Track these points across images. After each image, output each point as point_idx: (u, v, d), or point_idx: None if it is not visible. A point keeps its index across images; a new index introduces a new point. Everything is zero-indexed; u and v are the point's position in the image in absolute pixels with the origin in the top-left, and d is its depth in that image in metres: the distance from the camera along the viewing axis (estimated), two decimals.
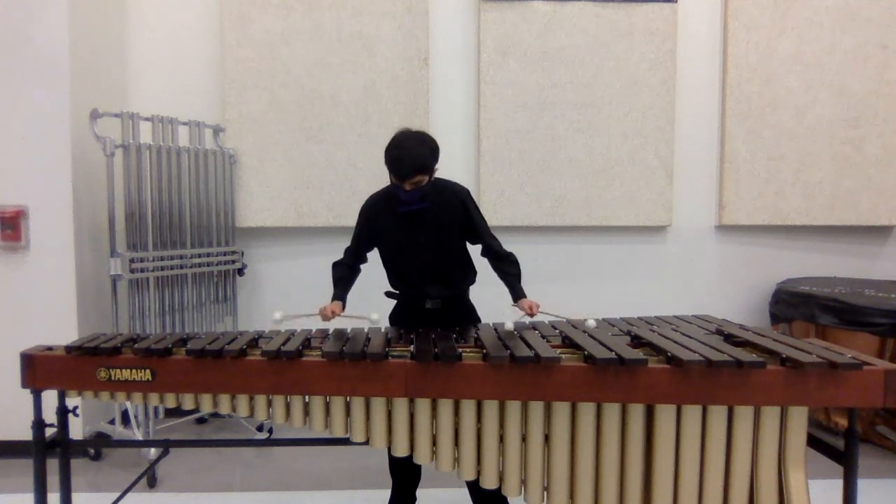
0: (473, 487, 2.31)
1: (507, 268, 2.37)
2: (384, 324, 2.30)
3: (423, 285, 2.34)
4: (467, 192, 2.38)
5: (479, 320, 2.45)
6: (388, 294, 2.44)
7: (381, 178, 3.78)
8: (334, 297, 2.35)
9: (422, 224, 2.27)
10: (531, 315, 2.25)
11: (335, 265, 2.44)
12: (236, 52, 3.72)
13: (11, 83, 3.15)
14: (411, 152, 2.14)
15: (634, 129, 3.86)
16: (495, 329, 2.19)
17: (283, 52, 3.74)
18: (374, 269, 2.48)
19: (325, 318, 2.24)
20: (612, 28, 3.81)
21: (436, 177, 2.28)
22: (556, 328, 2.22)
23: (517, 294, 2.33)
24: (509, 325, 2.15)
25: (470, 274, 2.46)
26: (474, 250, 2.45)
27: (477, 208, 2.38)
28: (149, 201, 3.23)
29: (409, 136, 2.19)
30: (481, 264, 2.46)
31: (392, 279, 2.43)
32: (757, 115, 3.90)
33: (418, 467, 2.45)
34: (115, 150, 3.15)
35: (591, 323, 2.21)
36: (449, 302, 2.37)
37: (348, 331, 2.18)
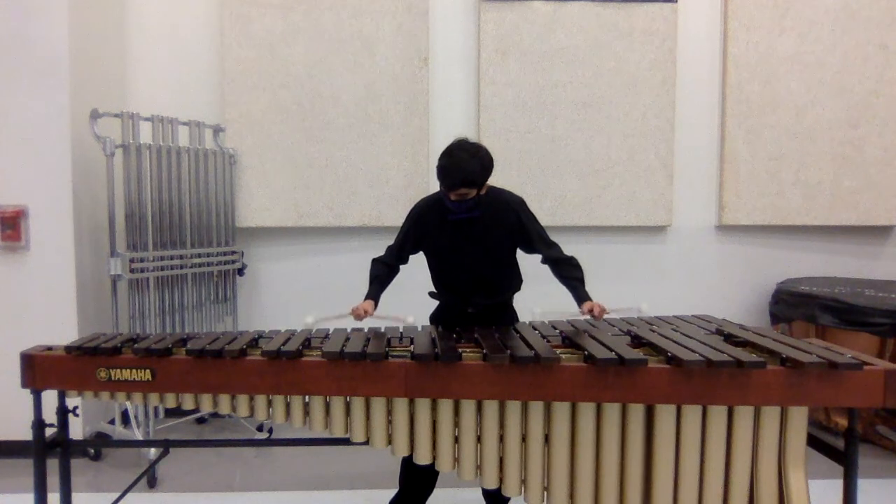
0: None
1: (569, 272, 2.29)
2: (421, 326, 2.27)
3: (466, 293, 2.31)
4: (522, 202, 2.32)
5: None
6: (432, 294, 2.42)
7: (381, 178, 3.82)
8: (368, 296, 2.28)
9: (471, 233, 2.24)
10: (597, 318, 2.18)
11: (374, 262, 2.38)
12: (236, 52, 3.72)
13: (11, 83, 3.15)
14: (460, 165, 2.08)
15: (634, 129, 3.86)
16: (495, 329, 2.19)
17: (283, 52, 3.74)
18: (414, 271, 2.44)
19: (358, 317, 2.18)
20: (612, 28, 3.81)
21: (490, 185, 2.23)
22: (555, 328, 2.22)
23: (581, 297, 2.24)
24: (644, 308, 2.13)
25: (515, 282, 2.42)
26: (524, 257, 2.39)
27: (533, 218, 2.32)
28: (149, 201, 3.23)
29: (462, 148, 2.12)
30: (530, 271, 2.43)
31: (436, 283, 2.40)
32: (757, 115, 3.89)
33: (433, 482, 2.41)
34: (115, 150, 3.15)
35: (644, 307, 2.18)
36: (491, 308, 2.34)
37: (348, 330, 2.18)
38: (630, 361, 1.75)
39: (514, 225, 2.28)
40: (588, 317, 2.19)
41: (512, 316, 2.44)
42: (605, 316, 2.20)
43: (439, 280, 2.39)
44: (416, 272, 2.43)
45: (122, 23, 3.74)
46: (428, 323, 2.41)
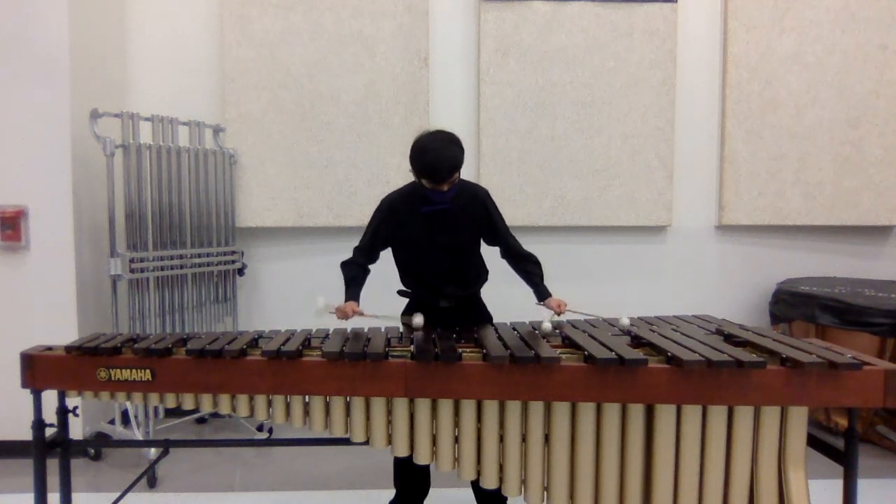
0: (477, 486, 2.30)
1: (530, 268, 2.36)
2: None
3: (438, 285, 2.33)
4: (488, 193, 2.37)
5: (490, 319, 2.44)
6: (401, 293, 2.43)
7: (381, 178, 3.82)
8: (349, 297, 2.29)
9: (442, 225, 2.26)
10: (559, 313, 2.25)
11: (345, 264, 2.38)
12: (236, 52, 3.72)
13: (11, 83, 3.15)
14: (443, 154, 2.12)
15: (634, 129, 3.86)
16: (496, 329, 2.19)
17: (283, 52, 3.74)
18: (386, 268, 2.45)
19: (345, 317, 2.19)
20: (612, 28, 3.81)
21: None
22: (556, 329, 2.22)
23: (542, 293, 2.32)
24: (547, 325, 2.14)
25: (483, 274, 2.45)
26: (488, 251, 2.44)
27: (497, 209, 2.38)
28: (149, 201, 3.23)
29: (434, 139, 2.16)
30: (498, 265, 2.45)
31: (405, 279, 2.41)
32: (757, 115, 3.89)
33: (427, 482, 2.42)
34: (115, 150, 3.15)
35: (626, 321, 2.19)
36: (462, 301, 2.37)
37: (348, 330, 2.18)
38: (630, 361, 1.75)
39: (483, 215, 2.33)
40: (555, 315, 2.25)
41: (482, 308, 2.46)
42: (602, 317, 2.25)
43: (410, 275, 2.39)
44: (387, 271, 2.44)
45: (122, 23, 3.74)
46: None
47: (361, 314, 2.23)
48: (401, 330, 2.21)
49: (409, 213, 2.29)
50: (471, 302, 2.42)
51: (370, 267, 2.42)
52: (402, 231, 2.32)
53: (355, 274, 2.36)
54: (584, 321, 2.35)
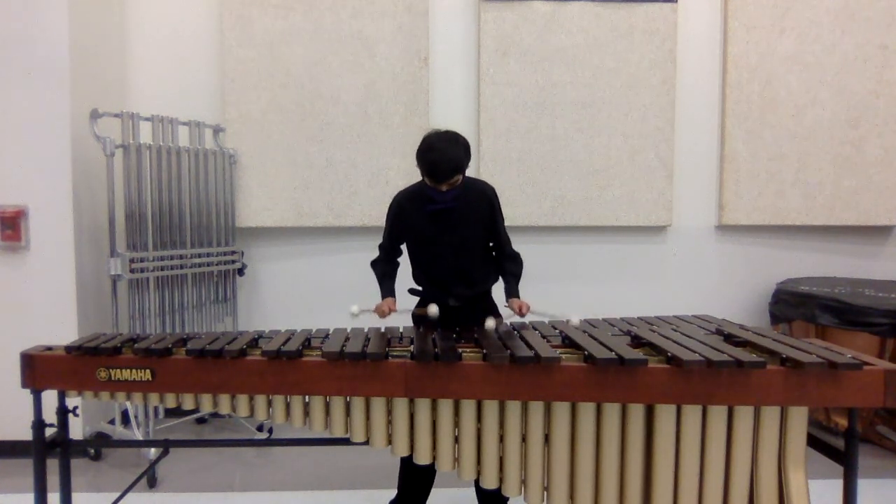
0: (479, 486, 2.30)
1: (510, 266, 2.39)
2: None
3: (447, 284, 2.34)
4: (494, 191, 2.37)
5: (501, 318, 2.43)
6: (412, 291, 2.44)
7: (381, 178, 3.82)
8: (385, 294, 2.36)
9: (449, 223, 2.27)
10: (521, 315, 2.26)
11: (374, 263, 2.44)
12: (236, 52, 3.72)
13: (11, 83, 3.15)
14: (446, 154, 2.12)
15: (634, 129, 3.86)
16: (496, 329, 2.19)
17: (283, 52, 3.74)
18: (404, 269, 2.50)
19: (383, 314, 2.26)
20: (612, 28, 3.81)
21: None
22: (555, 328, 2.22)
23: (510, 293, 2.35)
24: (490, 324, 2.11)
25: (492, 274, 2.45)
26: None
27: (500, 209, 2.38)
28: (149, 201, 3.23)
29: (441, 138, 2.16)
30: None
31: (417, 276, 2.43)
32: (757, 115, 3.89)
33: (430, 483, 2.42)
34: (115, 150, 3.15)
35: (575, 320, 2.20)
36: (472, 300, 2.37)
37: (348, 330, 2.18)
38: (630, 361, 1.75)
39: (487, 212, 2.33)
40: (516, 316, 2.27)
41: (492, 308, 2.45)
42: (584, 321, 2.27)
43: (421, 272, 2.41)
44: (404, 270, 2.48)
45: (122, 23, 3.74)
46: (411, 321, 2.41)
47: (396, 311, 2.27)
48: (404, 329, 2.19)
49: (415, 212, 2.30)
50: (480, 302, 2.42)
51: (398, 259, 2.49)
52: (411, 230, 2.34)
53: (385, 269, 2.43)
54: (547, 322, 2.34)
